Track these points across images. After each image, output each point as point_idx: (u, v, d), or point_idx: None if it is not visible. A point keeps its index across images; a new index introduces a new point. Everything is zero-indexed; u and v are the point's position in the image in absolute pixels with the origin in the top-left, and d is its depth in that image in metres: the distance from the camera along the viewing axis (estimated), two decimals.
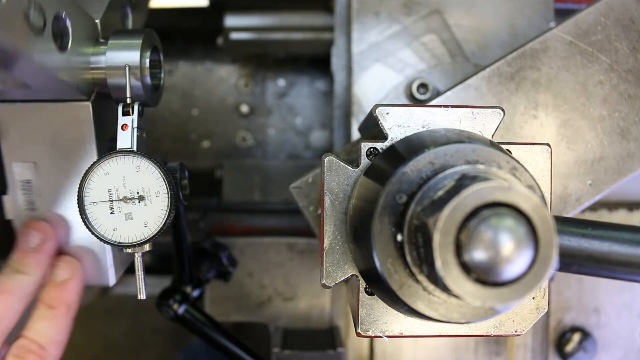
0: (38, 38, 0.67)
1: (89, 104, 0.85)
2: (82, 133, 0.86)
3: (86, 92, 0.84)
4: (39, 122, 0.87)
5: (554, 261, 0.53)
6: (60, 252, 0.91)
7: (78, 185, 0.85)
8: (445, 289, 0.54)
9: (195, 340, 1.71)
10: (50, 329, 0.86)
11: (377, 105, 0.71)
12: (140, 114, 0.85)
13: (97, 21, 0.87)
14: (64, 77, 0.76)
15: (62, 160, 0.88)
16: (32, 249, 0.87)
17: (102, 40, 0.86)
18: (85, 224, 0.79)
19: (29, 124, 0.87)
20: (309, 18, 1.44)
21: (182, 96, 1.57)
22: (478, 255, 0.52)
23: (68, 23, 0.75)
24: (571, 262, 0.72)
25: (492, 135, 0.72)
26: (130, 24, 1.00)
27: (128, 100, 0.84)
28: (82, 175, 0.81)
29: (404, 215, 0.60)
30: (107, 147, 0.90)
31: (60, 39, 0.75)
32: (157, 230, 0.80)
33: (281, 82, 1.58)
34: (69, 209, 0.90)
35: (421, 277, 0.60)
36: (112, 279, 0.93)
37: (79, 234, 0.91)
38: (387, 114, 0.71)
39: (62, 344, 0.88)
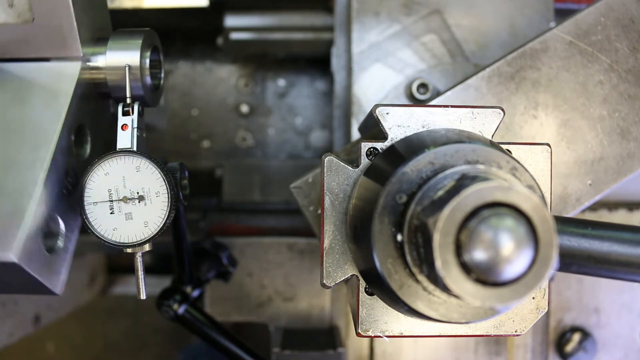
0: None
1: (78, 64, 0.82)
2: (63, 94, 0.82)
3: (82, 49, 0.82)
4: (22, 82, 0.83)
5: (554, 261, 0.53)
6: None
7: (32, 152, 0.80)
8: (445, 289, 0.54)
9: (195, 340, 1.71)
10: None
11: (377, 105, 0.71)
12: (140, 114, 0.85)
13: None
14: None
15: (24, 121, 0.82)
16: None
17: (103, 39, 0.86)
18: (86, 224, 0.79)
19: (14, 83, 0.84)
20: (309, 18, 1.44)
21: (182, 96, 1.57)
22: (478, 255, 0.52)
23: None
24: (571, 262, 0.72)
25: (492, 135, 0.72)
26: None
27: (128, 100, 0.84)
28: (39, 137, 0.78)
29: (404, 215, 0.60)
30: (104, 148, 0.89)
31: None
32: (157, 230, 0.80)
33: (281, 82, 1.58)
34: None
35: (421, 277, 0.59)
36: (56, 290, 0.82)
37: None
38: (387, 114, 0.71)
39: None
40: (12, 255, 0.71)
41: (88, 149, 0.88)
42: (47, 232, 0.79)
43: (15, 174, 0.76)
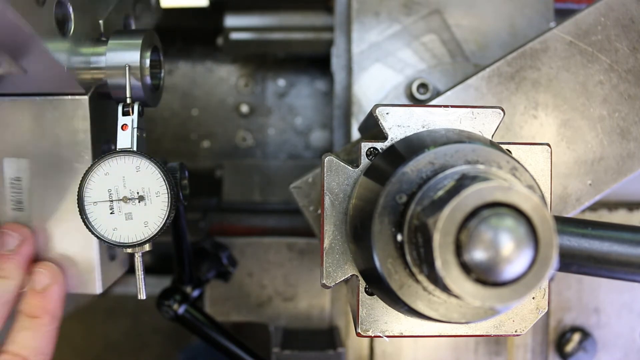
0: (41, 13, 0.66)
1: (86, 98, 0.84)
2: (78, 129, 0.85)
3: (84, 87, 0.83)
4: (34, 117, 0.85)
5: (554, 261, 0.53)
6: (39, 259, 0.87)
7: (68, 186, 0.83)
8: (445, 289, 0.54)
9: (195, 340, 1.71)
10: (34, 340, 0.81)
11: (377, 105, 0.71)
12: (140, 114, 0.85)
13: (100, 21, 0.86)
14: (63, 64, 0.75)
15: (55, 158, 0.86)
16: (10, 252, 0.82)
17: (102, 40, 0.86)
18: (85, 224, 0.79)
19: (24, 118, 0.85)
20: (309, 18, 1.44)
21: (182, 96, 1.57)
22: (478, 255, 0.52)
23: (70, 10, 0.75)
24: (571, 262, 0.72)
25: (492, 135, 0.72)
26: (133, 26, 1.00)
27: (128, 100, 0.84)
28: (76, 175, 0.80)
29: (404, 215, 0.60)
30: (102, 149, 0.89)
31: (62, 25, 0.74)
32: (157, 230, 0.80)
33: (281, 82, 1.58)
34: (59, 210, 0.87)
35: (421, 277, 0.60)
36: (98, 287, 0.89)
37: (66, 239, 0.87)
38: (387, 114, 0.71)
39: (47, 356, 0.82)
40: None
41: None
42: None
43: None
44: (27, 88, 0.83)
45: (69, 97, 0.84)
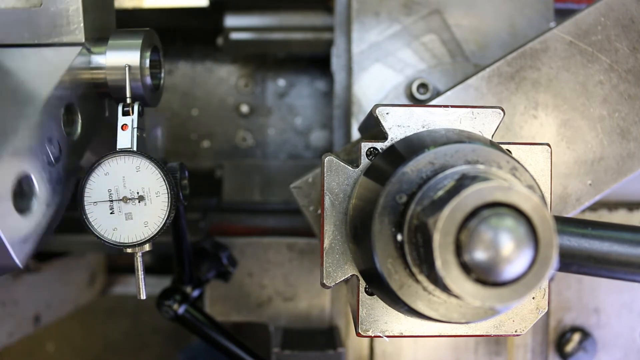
0: None
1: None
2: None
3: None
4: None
5: (554, 261, 0.53)
6: None
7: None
8: (445, 289, 0.54)
9: (195, 340, 1.71)
10: None
11: (377, 105, 0.71)
12: (140, 114, 0.85)
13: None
14: None
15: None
16: None
17: (103, 39, 0.86)
18: (85, 224, 0.79)
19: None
20: (309, 18, 1.44)
21: (182, 96, 1.57)
22: (478, 255, 0.52)
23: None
24: (571, 262, 0.72)
25: (492, 135, 0.72)
26: None
27: (128, 100, 0.84)
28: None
29: (404, 215, 0.60)
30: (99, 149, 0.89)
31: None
32: (157, 230, 0.80)
33: (281, 82, 1.58)
34: None
35: (421, 277, 0.59)
36: (18, 259, 0.75)
37: None
38: (387, 114, 0.71)
39: None
40: None
41: (78, 129, 0.86)
42: (20, 192, 0.74)
43: None
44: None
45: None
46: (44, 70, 0.83)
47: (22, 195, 0.75)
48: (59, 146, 0.81)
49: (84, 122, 0.87)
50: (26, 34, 0.85)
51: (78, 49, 0.84)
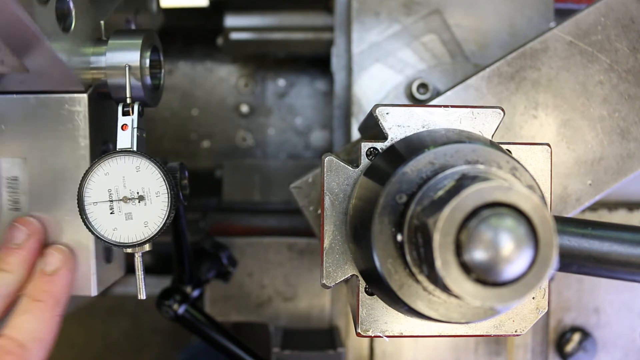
0: (42, 9, 0.66)
1: (85, 96, 0.84)
2: (76, 128, 0.84)
3: (84, 85, 0.83)
4: (32, 115, 0.84)
5: (554, 261, 0.53)
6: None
7: (65, 186, 0.83)
8: (445, 289, 0.54)
9: (195, 340, 1.71)
10: (33, 323, 0.76)
11: (377, 105, 0.71)
12: (140, 114, 0.85)
13: (101, 22, 0.86)
14: (64, 61, 0.74)
15: (53, 157, 0.85)
16: (17, 246, 0.80)
17: (103, 40, 0.86)
18: (85, 224, 0.79)
19: (21, 116, 0.84)
20: (309, 18, 1.44)
21: (182, 96, 1.57)
22: (478, 255, 0.52)
23: (72, 6, 0.75)
24: (571, 262, 0.72)
25: (492, 135, 0.72)
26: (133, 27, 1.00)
27: (128, 100, 0.84)
28: (73, 175, 0.79)
29: (404, 215, 0.60)
30: (101, 150, 0.89)
31: (63, 21, 0.74)
32: (157, 230, 0.80)
33: (281, 82, 1.58)
34: (56, 211, 0.86)
35: (421, 277, 0.60)
36: (93, 290, 0.89)
37: (63, 240, 0.86)
38: (387, 114, 0.71)
39: (46, 344, 0.77)
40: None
41: None
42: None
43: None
44: (27, 86, 0.83)
45: (68, 95, 0.84)
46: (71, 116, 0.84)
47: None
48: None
49: (94, 135, 0.88)
50: (24, 87, 0.83)
51: (84, 96, 0.84)
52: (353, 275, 0.73)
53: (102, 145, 0.90)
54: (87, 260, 0.87)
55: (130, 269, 0.94)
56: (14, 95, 0.84)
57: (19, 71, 0.73)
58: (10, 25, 0.63)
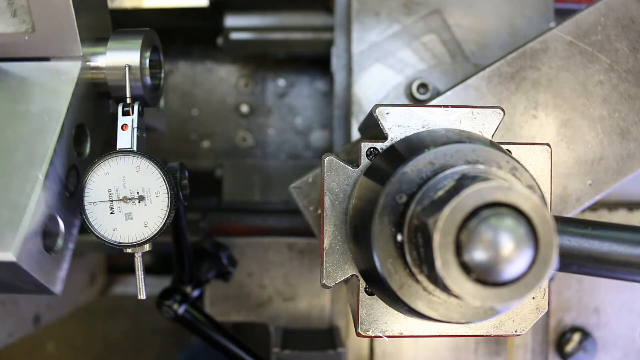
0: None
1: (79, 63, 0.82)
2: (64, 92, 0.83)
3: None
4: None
5: (554, 261, 0.53)
6: None
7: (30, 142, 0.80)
8: (445, 289, 0.54)
9: (195, 340, 1.71)
10: None
11: (377, 105, 0.71)
12: (140, 114, 0.85)
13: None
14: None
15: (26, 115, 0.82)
16: None
17: (103, 39, 0.86)
18: (85, 224, 0.79)
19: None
20: (309, 18, 1.44)
21: (182, 96, 1.57)
22: (478, 255, 0.52)
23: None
24: (571, 262, 0.72)
25: (492, 135, 0.72)
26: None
27: (128, 100, 0.84)
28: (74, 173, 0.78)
29: (404, 215, 0.60)
30: (101, 149, 0.89)
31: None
32: (157, 230, 0.80)
33: (281, 82, 1.58)
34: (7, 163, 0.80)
35: (421, 277, 0.59)
36: (55, 289, 0.82)
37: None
38: (387, 114, 0.71)
39: None
40: (11, 255, 0.71)
41: (88, 147, 0.88)
42: (47, 232, 0.79)
43: (14, 173, 0.76)
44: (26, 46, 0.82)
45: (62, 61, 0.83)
46: (48, 102, 0.81)
47: (49, 234, 0.80)
48: (76, 173, 0.83)
49: (92, 138, 0.87)
50: (22, 50, 0.83)
51: (78, 64, 0.83)
52: (353, 275, 0.73)
53: (104, 146, 0.90)
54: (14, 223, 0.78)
55: (130, 269, 0.94)
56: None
57: (26, 30, 0.74)
58: None
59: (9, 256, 0.71)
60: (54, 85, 0.82)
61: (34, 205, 0.74)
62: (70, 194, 0.81)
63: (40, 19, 0.78)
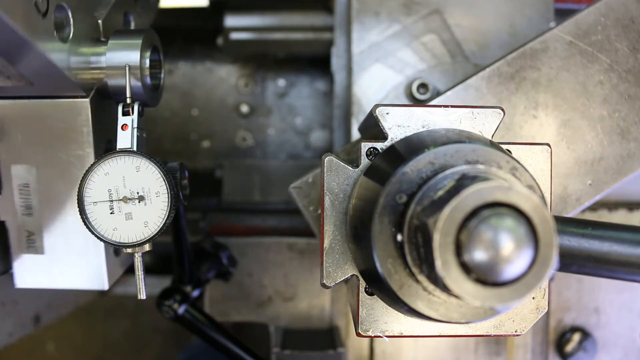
0: (41, 23, 0.67)
1: (87, 101, 0.84)
2: (81, 132, 0.86)
3: (85, 89, 0.84)
4: (39, 121, 0.86)
5: (554, 261, 0.53)
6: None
7: (74, 187, 0.83)
8: (445, 289, 0.54)
9: (195, 340, 1.71)
10: None
11: (377, 105, 0.71)
12: (140, 114, 0.85)
13: (99, 21, 0.86)
14: (63, 69, 0.75)
15: (60, 162, 0.87)
16: None
17: (102, 40, 0.86)
18: (85, 224, 0.79)
19: (29, 123, 0.86)
20: (309, 18, 1.44)
21: (182, 96, 1.57)
22: (478, 255, 0.52)
23: (70, 14, 0.75)
24: (571, 262, 0.72)
25: (492, 135, 0.72)
26: (133, 26, 1.00)
27: (128, 100, 0.84)
28: (82, 176, 0.80)
29: (404, 215, 0.60)
30: (105, 148, 0.90)
31: (61, 29, 0.75)
32: (157, 230, 0.80)
33: (281, 82, 1.58)
34: (67, 213, 0.88)
35: (421, 277, 0.59)
36: (106, 283, 0.92)
37: (75, 238, 0.89)
38: (387, 114, 0.71)
39: None
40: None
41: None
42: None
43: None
44: (30, 92, 0.84)
45: (71, 100, 0.85)
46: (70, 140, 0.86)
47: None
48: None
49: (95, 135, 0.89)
50: (30, 93, 0.84)
51: (86, 101, 0.85)
52: (353, 275, 0.73)
53: (107, 144, 0.90)
54: (99, 255, 0.90)
55: (130, 269, 0.95)
56: (19, 100, 0.85)
57: (24, 85, 0.74)
58: (9, 41, 0.64)
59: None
60: (71, 121, 0.86)
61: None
62: None
63: (35, 80, 0.79)
